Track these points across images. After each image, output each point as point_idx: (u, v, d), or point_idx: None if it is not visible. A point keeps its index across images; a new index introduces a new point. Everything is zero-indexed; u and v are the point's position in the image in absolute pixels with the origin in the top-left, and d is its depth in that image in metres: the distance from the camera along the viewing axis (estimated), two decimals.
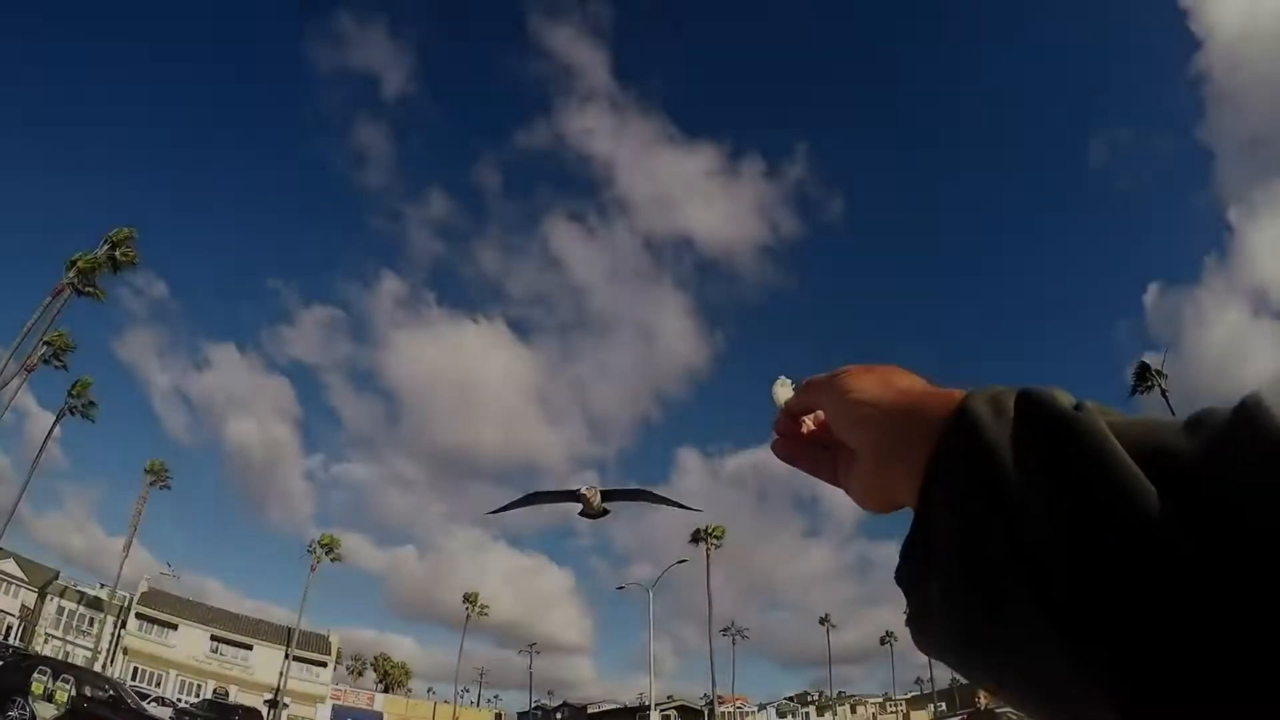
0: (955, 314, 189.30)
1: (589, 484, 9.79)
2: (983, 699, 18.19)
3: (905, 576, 0.63)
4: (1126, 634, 0.42)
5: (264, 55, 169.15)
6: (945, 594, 0.56)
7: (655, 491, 10.28)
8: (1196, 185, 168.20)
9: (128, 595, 61.19)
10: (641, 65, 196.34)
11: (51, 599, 59.32)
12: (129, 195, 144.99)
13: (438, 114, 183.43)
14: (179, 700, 48.90)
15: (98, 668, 51.34)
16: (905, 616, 0.64)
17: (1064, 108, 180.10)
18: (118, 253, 45.85)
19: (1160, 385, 49.78)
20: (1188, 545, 0.41)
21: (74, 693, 22.31)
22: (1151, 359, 51.71)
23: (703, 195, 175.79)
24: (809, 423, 0.95)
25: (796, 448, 0.94)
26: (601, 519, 10.43)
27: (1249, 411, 0.47)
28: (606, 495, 9.87)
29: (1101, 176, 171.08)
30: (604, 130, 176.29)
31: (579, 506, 10.23)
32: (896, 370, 0.78)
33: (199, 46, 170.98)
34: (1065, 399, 0.54)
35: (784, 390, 1.00)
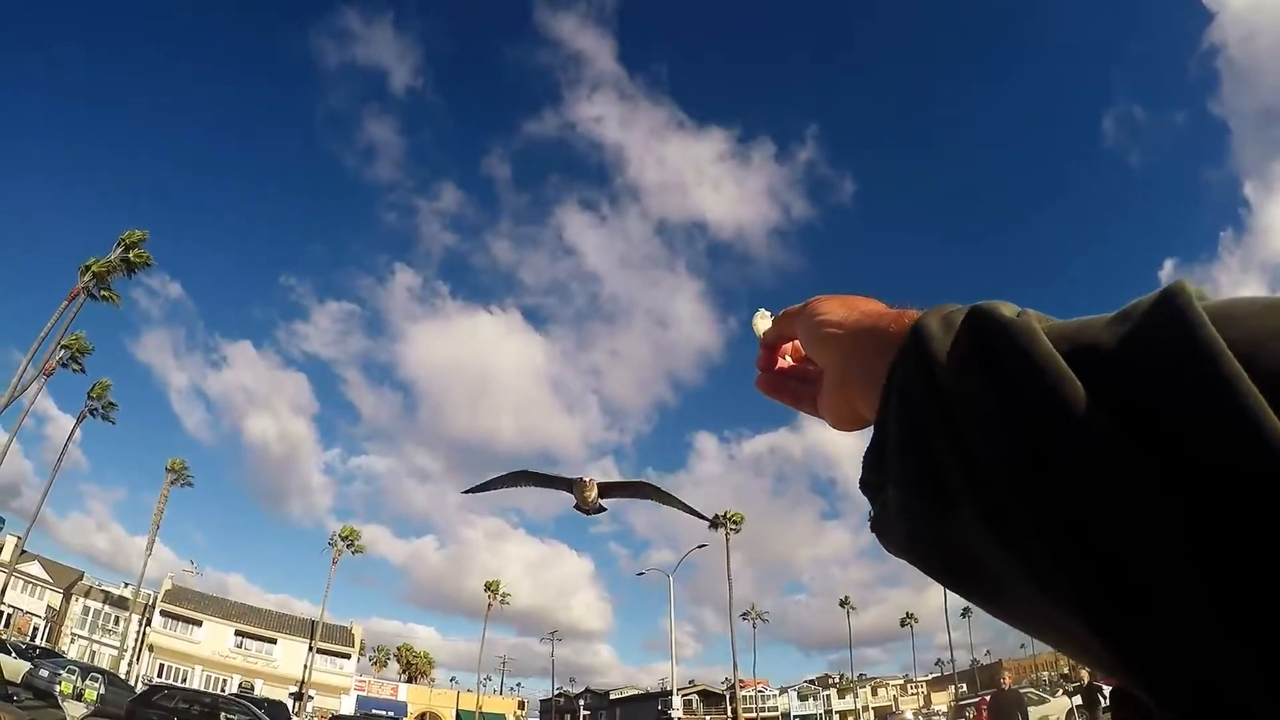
0: (970, 293, 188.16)
1: (589, 475, 8.75)
2: (1006, 679, 18.16)
3: (867, 484, 0.66)
4: (1059, 534, 0.43)
5: (271, 55, 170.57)
6: (898, 496, 0.58)
7: (662, 489, 9.35)
8: (1212, 160, 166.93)
9: (152, 593, 62.04)
10: (648, 52, 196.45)
11: (77, 599, 60.24)
12: (141, 199, 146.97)
13: (446, 107, 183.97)
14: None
15: (124, 666, 52.04)
16: (869, 521, 0.66)
17: (1076, 85, 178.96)
18: (131, 255, 46.13)
19: None
20: (1112, 439, 0.41)
21: None
22: None
23: (713, 180, 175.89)
24: (788, 356, 0.99)
25: (777, 380, 0.97)
26: (596, 514, 9.49)
27: (1169, 299, 0.47)
28: (606, 490, 8.92)
29: (1115, 154, 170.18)
30: (613, 118, 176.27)
31: (572, 497, 9.17)
32: (862, 298, 0.82)
33: (205, 48, 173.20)
34: (1009, 309, 0.55)
35: (763, 322, 1.02)
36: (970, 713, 24.94)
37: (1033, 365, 0.47)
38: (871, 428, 0.69)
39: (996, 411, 0.48)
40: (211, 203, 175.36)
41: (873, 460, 0.64)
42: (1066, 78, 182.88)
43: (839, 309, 0.80)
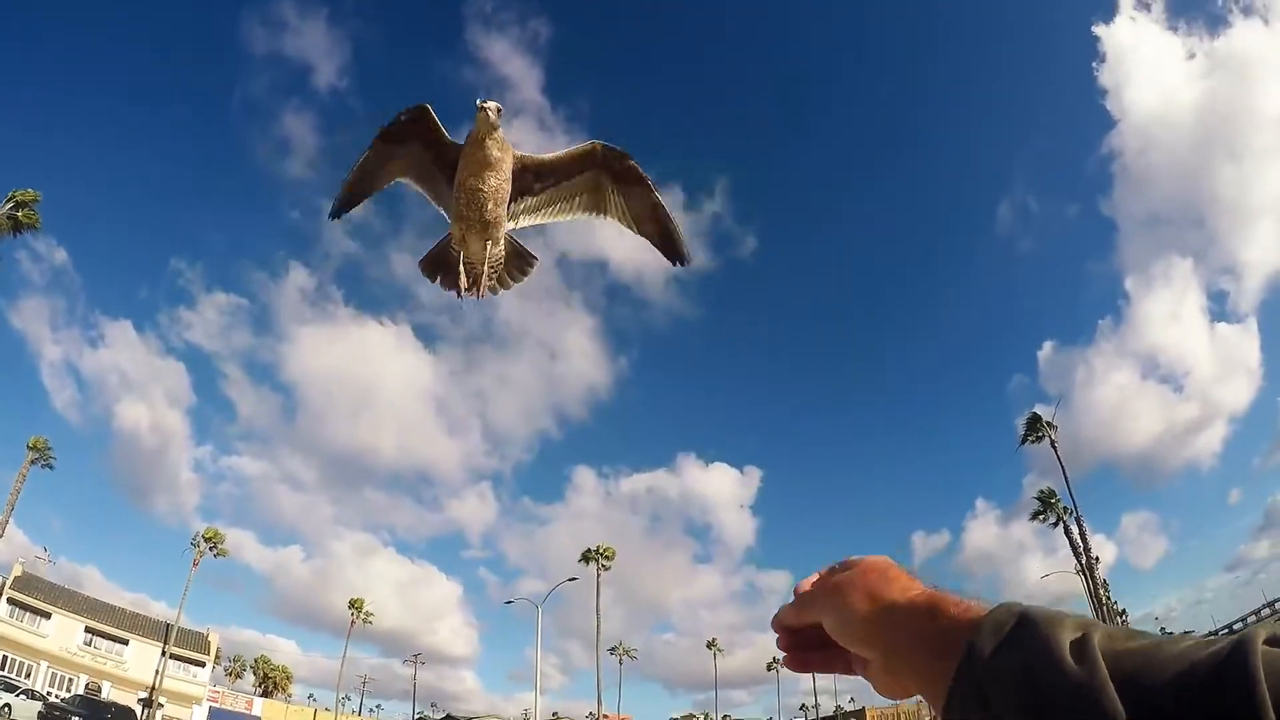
0: (858, 357, 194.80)
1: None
2: None
3: None
4: None
5: (197, 29, 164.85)
6: None
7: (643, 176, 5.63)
8: (1097, 254, 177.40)
9: (0, 579, 58.39)
10: (572, 86, 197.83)
11: None
12: (35, 158, 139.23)
13: (366, 111, 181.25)
14: (49, 694, 46.96)
15: None
16: None
17: (978, 169, 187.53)
18: (20, 214, 44.19)
19: (1050, 436, 52.23)
20: None
21: None
22: (1043, 411, 54.05)
23: None
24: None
25: (806, 659, 0.99)
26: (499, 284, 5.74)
27: (1239, 652, 0.44)
28: (528, 173, 5.31)
29: (1007, 239, 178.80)
30: (529, 146, 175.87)
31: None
32: (886, 575, 0.82)
33: (126, 11, 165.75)
34: (1069, 629, 0.55)
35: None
36: None
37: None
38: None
39: None
40: (111, 172, 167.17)
41: None
42: (970, 161, 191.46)
43: (864, 602, 0.80)
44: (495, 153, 4.75)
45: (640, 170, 5.28)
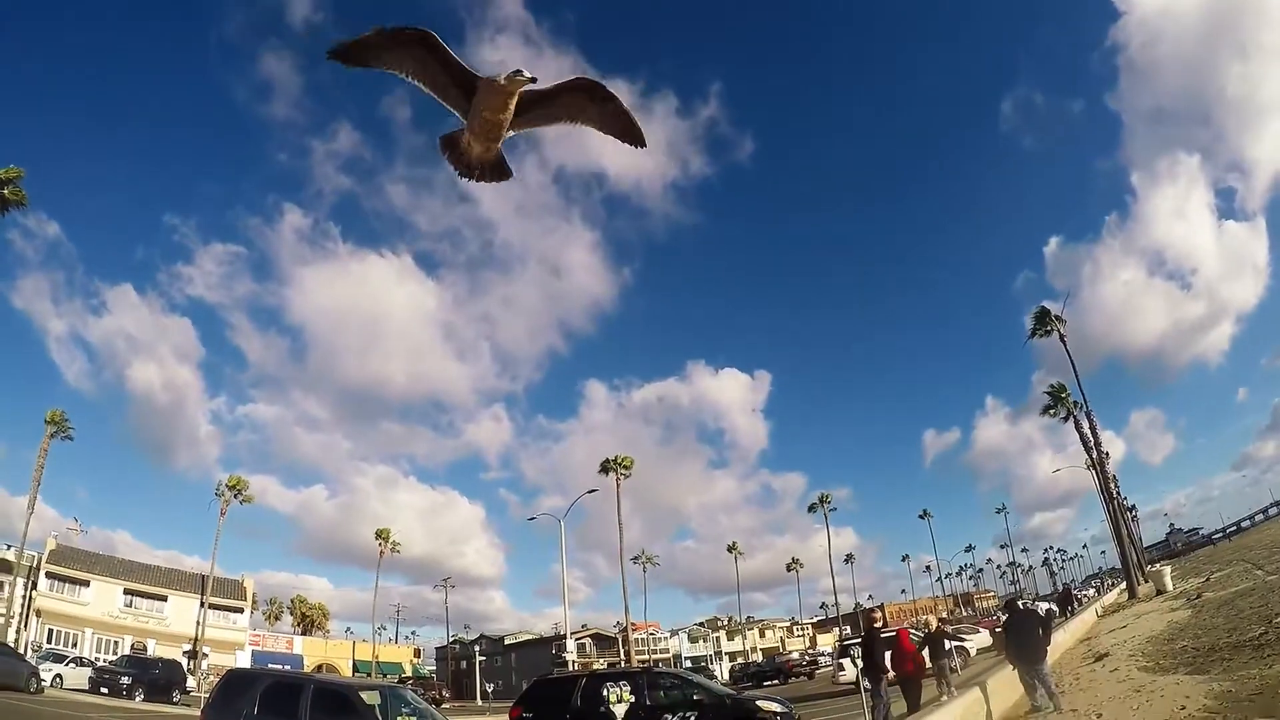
0: (862, 257, 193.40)
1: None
2: (932, 621, 19.00)
3: None
4: None
5: None
6: None
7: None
8: (1104, 150, 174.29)
9: (36, 555, 59.39)
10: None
11: None
12: (16, 135, 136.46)
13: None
14: (97, 659, 48.23)
15: (11, 634, 50.27)
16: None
17: (981, 64, 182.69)
18: (6, 191, 43.52)
19: (1059, 330, 51.77)
20: None
21: None
22: (1051, 305, 53.62)
23: None
24: None
25: None
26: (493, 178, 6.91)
27: None
28: (529, 104, 6.26)
29: (1010, 135, 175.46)
30: (515, 62, 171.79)
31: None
32: None
33: None
34: None
35: None
36: (855, 652, 26.20)
37: None
38: None
39: None
40: (91, 137, 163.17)
41: None
42: (972, 56, 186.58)
43: None
44: (511, 98, 6.04)
45: (610, 91, 6.45)
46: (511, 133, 6.51)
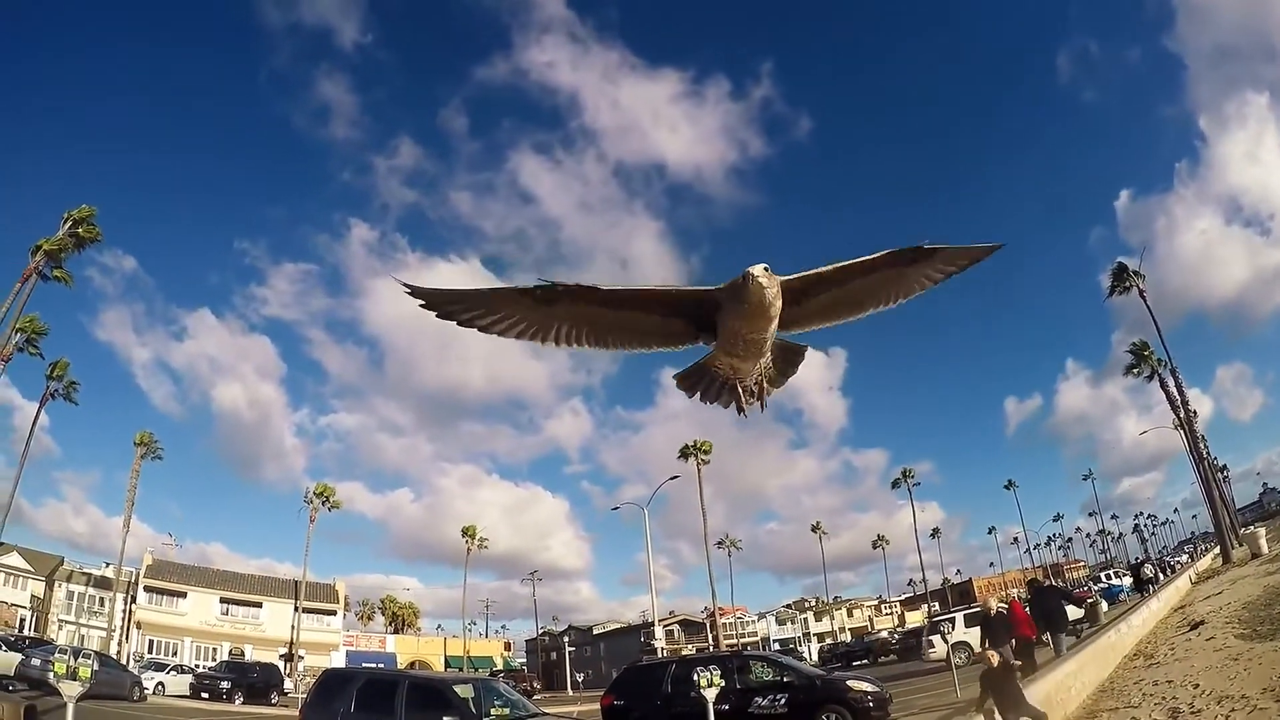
0: (929, 228, 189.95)
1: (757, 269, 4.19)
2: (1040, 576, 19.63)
3: None
4: None
5: (213, 19, 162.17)
6: None
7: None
8: (1167, 95, 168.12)
9: (134, 571, 61.62)
10: None
11: (59, 585, 59.97)
12: (84, 176, 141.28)
13: (397, 61, 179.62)
14: (196, 666, 49.67)
15: (114, 646, 52.14)
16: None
17: (1032, 18, 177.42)
18: (81, 230, 45.04)
19: (1138, 285, 50.07)
20: None
21: None
22: (1127, 261, 51.91)
23: (669, 121, 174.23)
24: None
25: None
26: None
27: None
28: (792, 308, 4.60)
29: (1070, 90, 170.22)
30: (564, 62, 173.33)
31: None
32: None
33: (146, 14, 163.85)
34: None
35: None
36: (945, 628, 25.72)
37: None
38: None
39: None
40: (157, 173, 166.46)
41: None
42: (1022, 11, 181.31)
43: None
44: (771, 301, 4.26)
45: (932, 248, 4.66)
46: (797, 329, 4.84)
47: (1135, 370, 53.79)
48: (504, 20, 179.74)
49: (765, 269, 4.15)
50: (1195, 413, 55.23)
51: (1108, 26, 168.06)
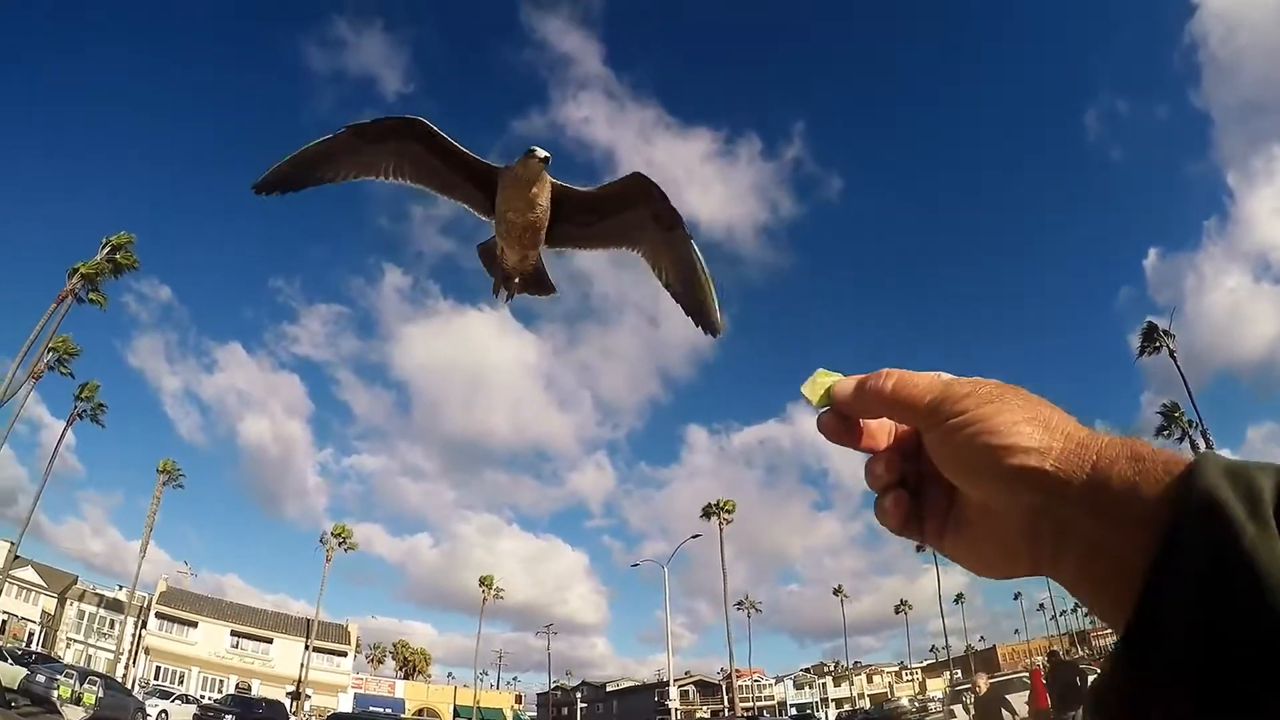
0: (958, 288, 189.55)
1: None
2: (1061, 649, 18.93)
3: (1115, 703, 0.49)
4: None
5: (261, 62, 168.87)
6: None
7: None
8: (1194, 152, 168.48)
9: (146, 596, 61.60)
10: (634, 54, 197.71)
11: (71, 603, 60.00)
12: (126, 203, 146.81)
13: (437, 110, 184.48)
14: (202, 697, 49.20)
15: (120, 669, 51.82)
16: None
17: (1060, 79, 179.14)
18: (118, 256, 45.88)
19: (1168, 346, 49.41)
20: None
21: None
22: (1157, 321, 51.20)
23: (702, 179, 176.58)
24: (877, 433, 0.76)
25: (898, 503, 0.73)
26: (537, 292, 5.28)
27: None
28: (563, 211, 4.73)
29: (1098, 148, 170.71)
30: (600, 119, 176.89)
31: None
32: (1041, 402, 0.61)
33: (192, 50, 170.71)
34: None
35: (825, 379, 0.76)
36: (967, 698, 24.91)
37: None
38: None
39: None
40: (199, 206, 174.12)
41: (1130, 677, 0.48)
42: (1050, 72, 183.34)
43: (1029, 427, 0.58)
44: (535, 190, 4.55)
45: (676, 211, 4.85)
46: (558, 249, 5.05)
47: (1166, 432, 52.64)
48: (542, 75, 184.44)
49: (547, 156, 4.39)
50: None
51: (1135, 85, 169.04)
